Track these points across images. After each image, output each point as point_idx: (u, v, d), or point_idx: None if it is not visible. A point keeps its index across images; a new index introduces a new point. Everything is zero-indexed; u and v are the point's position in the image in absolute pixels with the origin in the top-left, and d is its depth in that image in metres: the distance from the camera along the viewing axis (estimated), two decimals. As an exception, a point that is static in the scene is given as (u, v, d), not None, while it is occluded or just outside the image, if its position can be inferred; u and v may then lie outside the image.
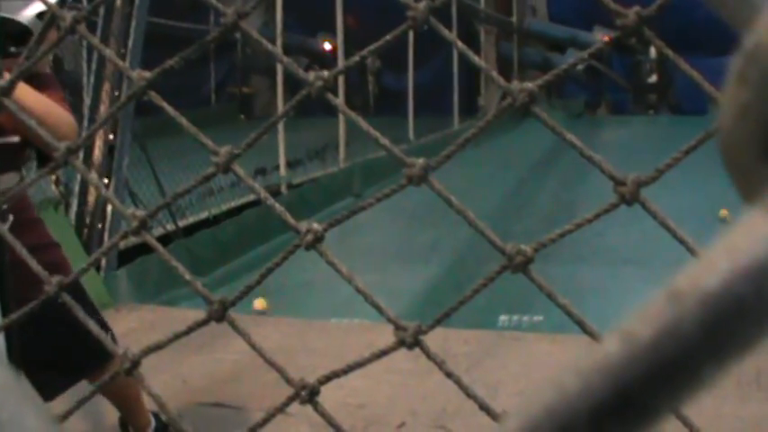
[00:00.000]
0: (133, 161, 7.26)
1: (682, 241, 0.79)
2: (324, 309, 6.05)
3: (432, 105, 17.19)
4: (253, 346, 0.89)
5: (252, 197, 9.08)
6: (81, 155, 6.60)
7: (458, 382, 0.80)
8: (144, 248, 7.06)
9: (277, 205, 0.88)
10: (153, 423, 3.66)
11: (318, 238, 0.82)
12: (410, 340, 0.78)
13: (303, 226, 0.83)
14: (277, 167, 10.93)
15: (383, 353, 0.84)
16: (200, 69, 22.01)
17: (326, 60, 20.00)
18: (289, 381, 0.85)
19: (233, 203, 9.34)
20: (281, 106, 12.17)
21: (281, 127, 11.14)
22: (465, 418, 3.73)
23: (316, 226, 0.83)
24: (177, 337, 0.91)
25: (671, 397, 0.25)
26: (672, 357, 0.25)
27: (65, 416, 0.82)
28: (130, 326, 5.42)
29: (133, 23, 6.71)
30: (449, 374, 0.80)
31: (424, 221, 9.03)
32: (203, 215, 8.93)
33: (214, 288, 6.80)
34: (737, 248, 0.25)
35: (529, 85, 0.76)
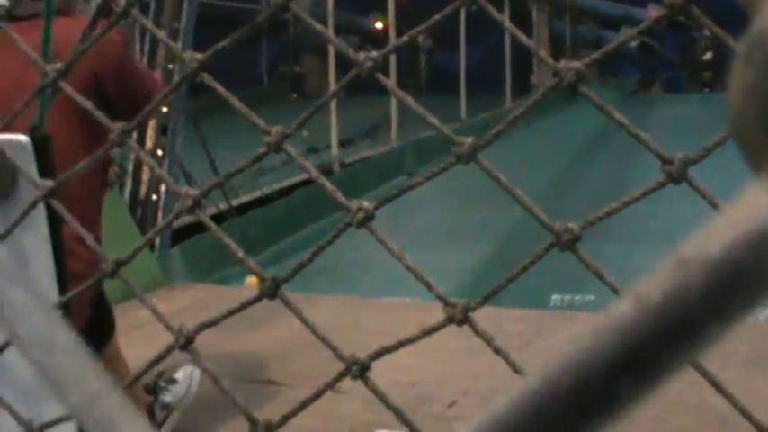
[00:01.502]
0: (187, 141, 7.32)
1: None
2: (375, 287, 6.08)
3: (484, 84, 17.14)
4: (305, 323, 0.90)
5: (304, 176, 9.13)
6: (134, 135, 6.66)
7: (506, 359, 0.81)
8: (197, 228, 7.12)
9: (328, 184, 0.89)
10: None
11: (369, 217, 0.83)
12: (459, 317, 0.79)
13: (354, 204, 0.84)
14: (329, 146, 10.97)
15: (433, 329, 0.85)
16: (252, 49, 22.13)
17: (378, 39, 19.97)
18: (340, 356, 0.87)
19: (285, 183, 9.39)
20: (332, 86, 12.21)
21: (332, 106, 11.19)
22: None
23: (366, 204, 0.84)
24: (230, 313, 0.92)
25: (677, 354, 0.27)
26: (678, 318, 0.27)
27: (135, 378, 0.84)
28: (183, 304, 5.48)
29: (185, 5, 6.75)
30: (497, 350, 0.81)
31: (475, 200, 9.03)
32: (256, 194, 9.00)
33: (266, 266, 6.84)
34: (739, 218, 0.26)
35: (577, 64, 0.76)
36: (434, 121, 0.83)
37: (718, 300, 0.26)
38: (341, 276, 6.40)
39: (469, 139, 0.79)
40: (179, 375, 3.70)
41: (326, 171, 10.13)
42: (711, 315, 0.26)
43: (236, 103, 0.95)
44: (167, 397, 3.61)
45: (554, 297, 5.86)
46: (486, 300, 0.84)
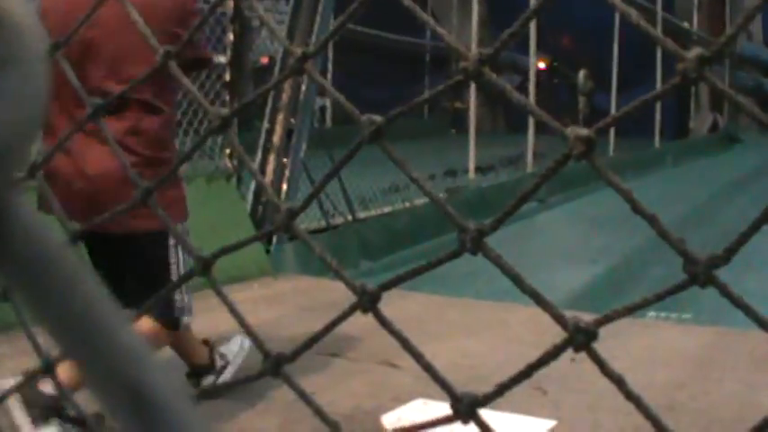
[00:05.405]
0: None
1: None
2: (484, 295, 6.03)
3: (640, 126, 17.27)
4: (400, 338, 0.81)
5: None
6: (263, 138, 7.03)
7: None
8: (318, 229, 7.44)
9: (442, 201, 0.82)
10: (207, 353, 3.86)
11: (482, 234, 0.75)
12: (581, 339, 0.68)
13: (470, 225, 0.76)
14: (466, 171, 11.19)
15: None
16: (416, 82, 22.57)
17: (539, 78, 20.04)
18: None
19: (417, 201, 9.41)
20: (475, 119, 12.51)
21: (471, 133, 11.48)
22: (566, 383, 3.84)
23: (476, 225, 0.75)
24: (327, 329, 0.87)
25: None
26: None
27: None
28: (283, 290, 5.81)
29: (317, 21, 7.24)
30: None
31: (602, 226, 9.21)
32: (386, 209, 9.14)
33: (382, 272, 7.02)
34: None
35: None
36: None
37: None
38: (452, 283, 6.33)
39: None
40: (233, 340, 3.96)
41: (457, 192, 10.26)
42: None
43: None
44: (222, 348, 3.90)
45: (650, 314, 5.84)
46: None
